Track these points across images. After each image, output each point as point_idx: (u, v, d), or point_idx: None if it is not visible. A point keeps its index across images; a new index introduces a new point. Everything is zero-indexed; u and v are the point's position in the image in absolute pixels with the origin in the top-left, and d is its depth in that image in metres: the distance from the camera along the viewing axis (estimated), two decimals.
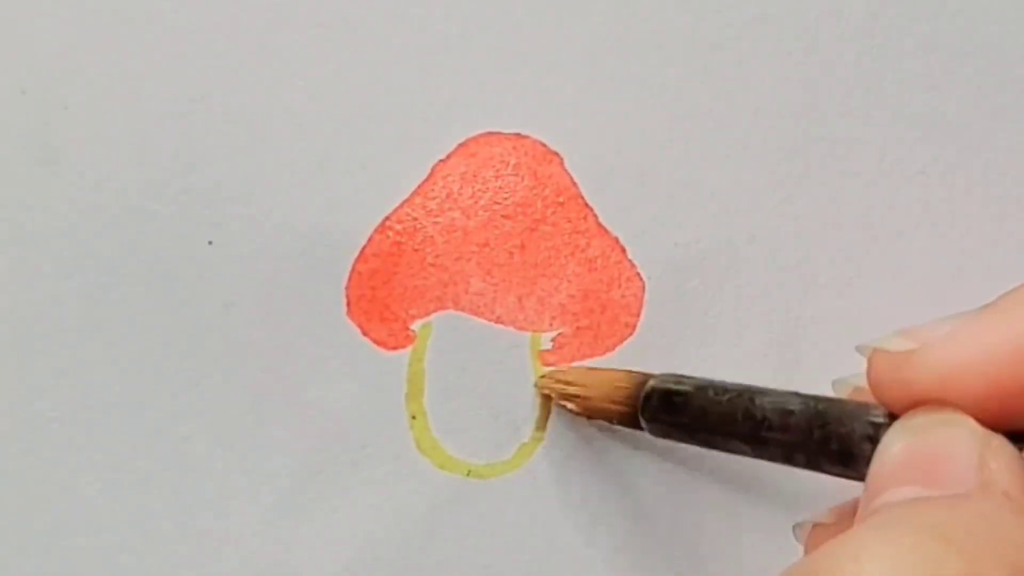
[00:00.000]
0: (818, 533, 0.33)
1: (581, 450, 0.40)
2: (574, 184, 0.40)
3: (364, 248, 0.40)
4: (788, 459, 0.32)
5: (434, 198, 0.40)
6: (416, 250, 0.40)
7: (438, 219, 0.40)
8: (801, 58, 0.40)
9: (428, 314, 0.40)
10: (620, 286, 0.40)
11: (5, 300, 0.39)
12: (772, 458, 0.33)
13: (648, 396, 0.36)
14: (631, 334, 0.40)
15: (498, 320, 0.40)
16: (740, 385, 0.34)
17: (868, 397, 0.31)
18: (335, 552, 0.39)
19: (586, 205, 0.40)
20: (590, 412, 0.39)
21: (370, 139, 0.40)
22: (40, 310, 0.39)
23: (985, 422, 0.28)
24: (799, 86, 0.40)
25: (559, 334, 0.40)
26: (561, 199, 0.40)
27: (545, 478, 0.40)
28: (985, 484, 0.26)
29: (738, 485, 0.40)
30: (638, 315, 0.40)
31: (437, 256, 0.40)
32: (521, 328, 0.40)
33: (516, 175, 0.40)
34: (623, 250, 0.40)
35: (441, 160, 0.40)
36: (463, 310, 0.40)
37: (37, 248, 0.39)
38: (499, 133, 0.40)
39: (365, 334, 0.40)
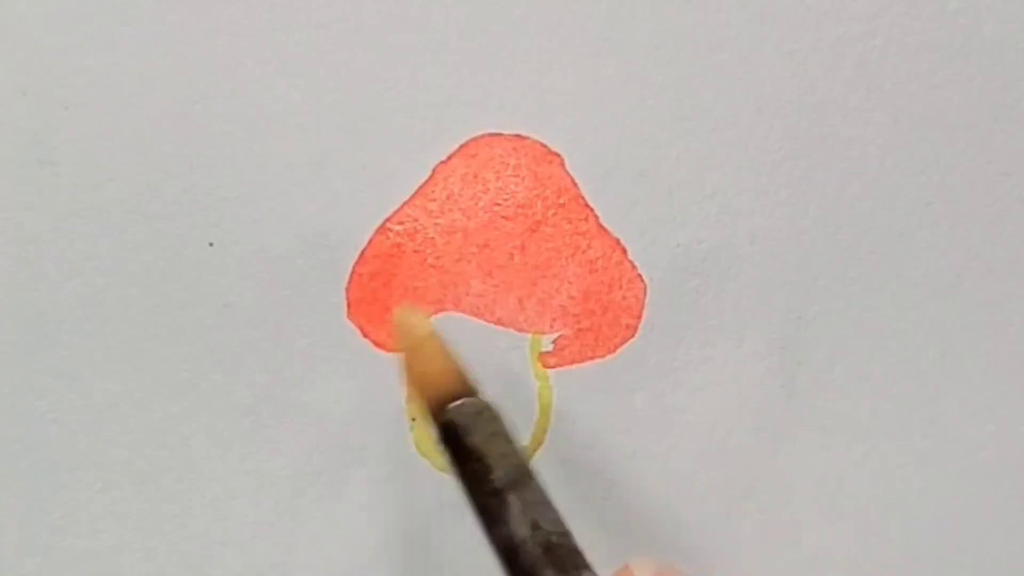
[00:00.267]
0: None
1: (581, 452, 0.40)
2: (575, 185, 0.40)
3: (364, 249, 0.40)
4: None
5: (434, 199, 0.40)
6: (416, 251, 0.40)
7: (439, 220, 0.40)
8: (801, 58, 0.40)
9: (429, 315, 0.40)
10: (621, 287, 0.40)
11: (6, 300, 0.39)
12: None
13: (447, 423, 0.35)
14: (632, 335, 0.40)
15: (499, 322, 0.40)
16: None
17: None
18: (335, 552, 0.39)
19: (587, 206, 0.40)
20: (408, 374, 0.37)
21: (371, 140, 0.40)
22: (40, 310, 0.39)
23: None
24: (799, 86, 0.40)
25: (560, 336, 0.40)
26: (562, 200, 0.40)
27: (546, 479, 0.40)
28: None
29: (738, 487, 0.40)
30: (639, 316, 0.40)
31: (438, 257, 0.40)
32: (522, 330, 0.40)
33: (517, 176, 0.40)
34: (624, 251, 0.40)
35: (442, 161, 0.40)
36: (464, 311, 0.40)
37: (38, 248, 0.39)
38: (500, 134, 0.40)
39: (365, 335, 0.40)
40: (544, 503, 0.35)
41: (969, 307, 0.41)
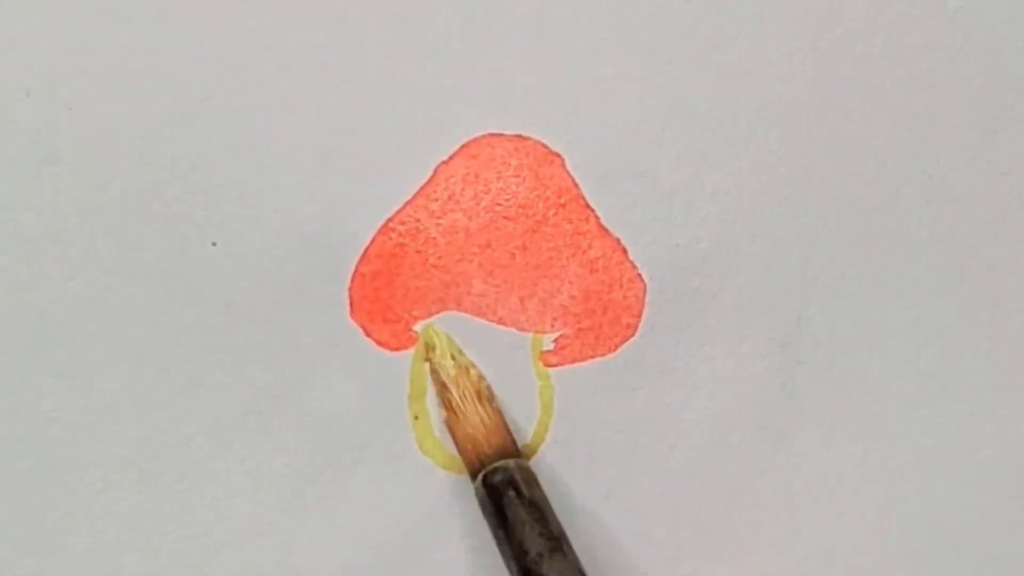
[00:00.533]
0: None
1: (583, 451, 0.40)
2: (575, 185, 0.40)
3: (367, 249, 0.40)
4: None
5: (436, 200, 0.40)
6: (418, 251, 0.40)
7: (440, 220, 0.40)
8: (801, 58, 0.41)
9: (430, 315, 0.40)
10: (621, 287, 0.40)
11: (8, 300, 0.39)
12: None
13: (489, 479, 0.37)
14: (632, 335, 0.40)
15: (500, 321, 0.40)
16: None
17: None
18: (336, 552, 0.39)
19: (587, 206, 0.40)
20: (450, 425, 0.39)
21: (372, 141, 0.40)
22: (43, 310, 0.39)
23: None
24: (799, 86, 0.40)
25: (561, 335, 0.40)
26: (563, 200, 0.40)
27: (547, 479, 0.40)
28: None
29: (738, 486, 0.40)
30: (639, 316, 0.40)
31: (439, 257, 0.40)
32: (523, 329, 0.40)
33: (518, 176, 0.40)
34: (624, 251, 0.40)
35: (443, 162, 0.40)
36: (465, 311, 0.40)
37: (40, 248, 0.39)
38: (501, 135, 0.40)
39: (368, 335, 0.40)
40: (578, 572, 0.36)
41: (969, 307, 0.41)
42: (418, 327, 0.40)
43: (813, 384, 0.41)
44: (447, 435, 0.40)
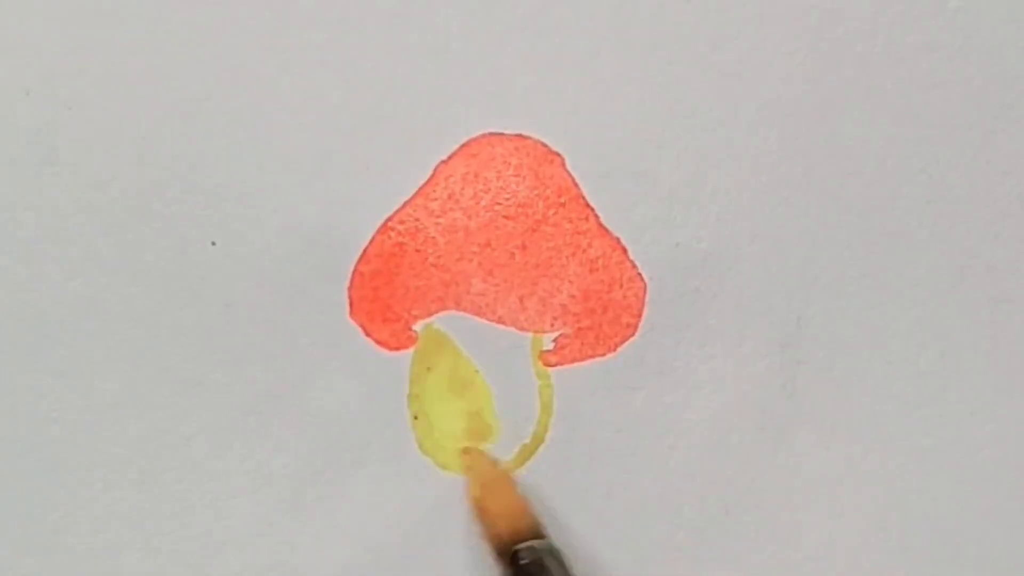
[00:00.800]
0: None
1: (582, 451, 0.40)
2: (575, 185, 0.40)
3: (366, 249, 0.40)
4: None
5: (436, 199, 0.40)
6: (418, 251, 0.40)
7: (440, 220, 0.40)
8: (802, 58, 0.41)
9: (430, 315, 0.40)
10: (621, 286, 0.40)
11: (7, 300, 0.39)
12: None
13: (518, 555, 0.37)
14: (632, 334, 0.40)
15: (500, 321, 0.40)
16: None
17: None
18: (336, 551, 0.39)
19: (587, 206, 0.40)
20: (477, 510, 0.39)
21: (372, 140, 0.40)
22: (42, 310, 0.39)
23: None
24: (799, 86, 0.40)
25: (561, 335, 0.40)
26: (562, 200, 0.40)
27: (546, 478, 0.40)
28: None
29: (738, 486, 0.40)
30: (639, 315, 0.40)
31: (439, 257, 0.40)
32: (523, 329, 0.40)
33: (518, 176, 0.40)
34: (624, 251, 0.40)
35: (443, 161, 0.40)
36: (465, 311, 0.40)
37: (40, 248, 0.39)
38: (501, 134, 0.40)
39: (367, 334, 0.40)
40: None
41: (969, 307, 0.41)
42: (418, 326, 0.40)
43: (813, 384, 0.41)
44: (447, 435, 0.40)
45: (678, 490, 0.40)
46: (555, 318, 0.40)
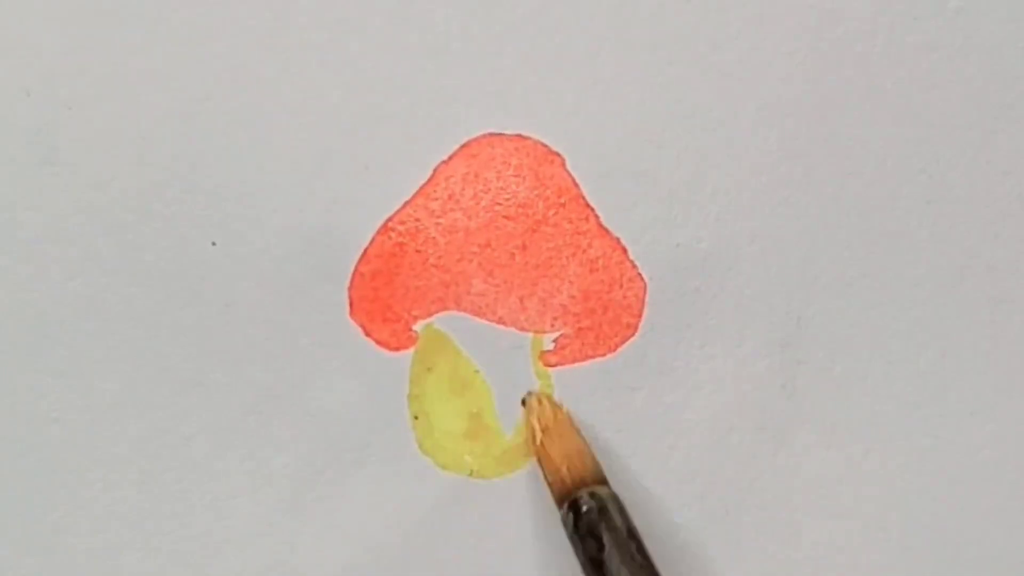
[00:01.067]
0: None
1: None
2: (575, 185, 0.40)
3: (366, 249, 0.40)
4: None
5: (436, 199, 0.40)
6: (418, 251, 0.40)
7: (440, 220, 0.40)
8: (802, 58, 0.41)
9: (430, 315, 0.40)
10: (622, 287, 0.40)
11: (7, 300, 0.39)
12: None
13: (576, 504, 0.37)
14: (633, 335, 0.40)
15: (500, 321, 0.40)
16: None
17: None
18: (337, 552, 0.39)
19: (587, 206, 0.40)
20: (540, 455, 0.39)
21: (372, 140, 0.40)
22: (42, 310, 0.39)
23: None
24: (800, 86, 0.40)
25: (561, 335, 0.40)
26: (562, 200, 0.40)
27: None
28: None
29: (738, 486, 0.40)
30: (640, 316, 0.40)
31: (439, 257, 0.40)
32: (523, 329, 0.40)
33: (518, 176, 0.40)
34: (624, 251, 0.40)
35: (443, 161, 0.40)
36: (465, 311, 0.40)
37: (40, 248, 0.39)
38: (501, 134, 0.40)
39: (367, 334, 0.40)
40: None
41: (969, 307, 0.41)
42: (418, 327, 0.40)
43: (813, 384, 0.41)
44: (447, 435, 0.40)
45: (678, 490, 0.40)
46: (555, 318, 0.40)
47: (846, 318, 0.41)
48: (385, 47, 0.40)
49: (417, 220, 0.40)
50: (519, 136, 0.40)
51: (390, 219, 0.40)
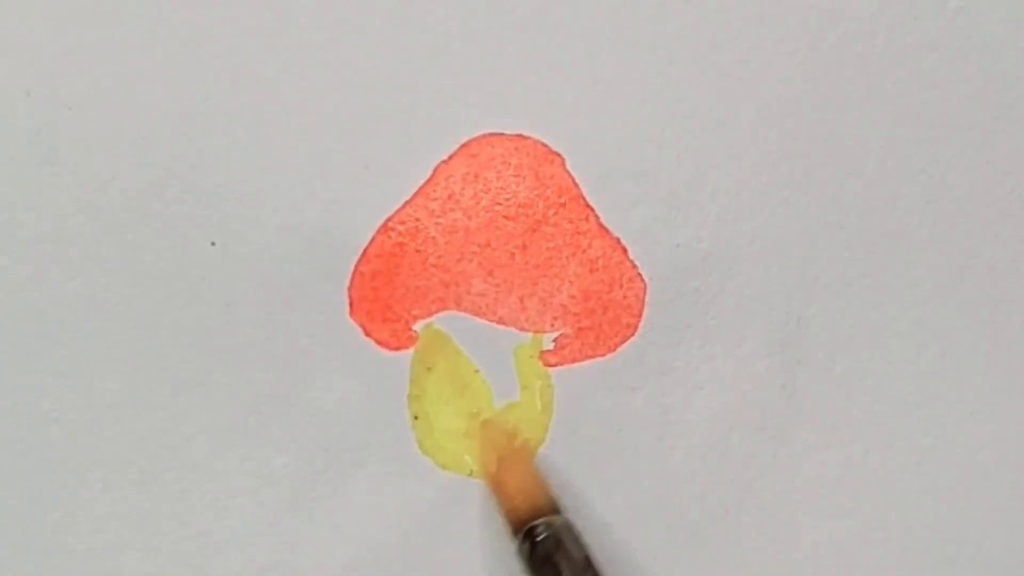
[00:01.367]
0: None
1: (581, 452, 0.40)
2: (575, 185, 0.40)
3: (366, 249, 0.40)
4: None
5: (436, 199, 0.40)
6: (418, 251, 0.40)
7: (440, 220, 0.40)
8: (802, 58, 0.41)
9: (430, 315, 0.40)
10: (621, 287, 0.40)
11: (7, 300, 0.39)
12: None
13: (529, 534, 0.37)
14: (632, 334, 0.40)
15: (500, 321, 0.40)
16: None
17: None
18: (337, 552, 0.39)
19: (587, 206, 0.40)
20: (494, 485, 0.39)
21: (372, 140, 0.40)
22: (43, 310, 0.39)
23: None
24: (800, 86, 0.41)
25: (561, 335, 0.40)
26: (563, 200, 0.40)
27: (546, 479, 0.40)
28: None
29: (738, 486, 0.40)
30: (639, 316, 0.40)
31: (439, 257, 0.40)
32: (523, 329, 0.40)
33: (518, 176, 0.40)
34: (624, 251, 0.40)
35: (443, 161, 0.40)
36: (465, 311, 0.40)
37: (40, 248, 0.39)
38: (501, 134, 0.40)
39: (367, 334, 0.40)
40: None
41: (969, 307, 0.41)
42: (418, 327, 0.40)
43: (813, 384, 0.41)
44: (447, 435, 0.40)
45: (678, 490, 0.40)
46: (555, 318, 0.40)
47: (846, 318, 0.41)
48: (385, 47, 0.40)
49: (417, 220, 0.40)
50: (519, 136, 0.40)
51: (390, 219, 0.40)
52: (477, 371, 0.40)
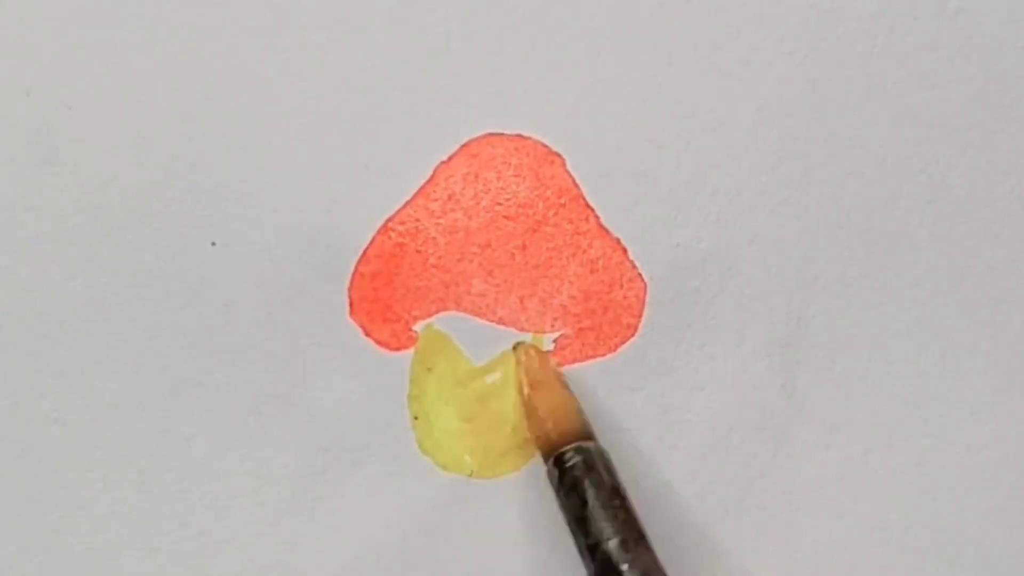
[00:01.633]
0: None
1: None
2: (576, 185, 0.40)
3: (366, 249, 0.40)
4: None
5: (436, 199, 0.40)
6: (418, 251, 0.40)
7: (440, 220, 0.40)
8: (802, 58, 0.41)
9: (430, 315, 0.40)
10: (622, 287, 0.40)
11: (7, 300, 0.39)
12: None
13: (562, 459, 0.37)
14: (633, 335, 0.40)
15: (500, 321, 0.40)
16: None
17: None
18: (337, 552, 0.39)
19: (587, 206, 0.40)
20: (527, 408, 0.39)
21: (372, 140, 0.40)
22: (43, 310, 0.39)
23: None
24: (800, 86, 0.40)
25: (561, 335, 0.40)
26: (563, 200, 0.40)
27: (546, 479, 0.40)
28: None
29: (738, 486, 0.40)
30: (640, 316, 0.40)
31: (439, 257, 0.40)
32: (523, 329, 0.40)
33: (518, 176, 0.40)
34: (624, 251, 0.40)
35: (443, 161, 0.40)
36: (465, 311, 0.40)
37: (40, 248, 0.39)
38: (501, 134, 0.40)
39: (367, 335, 0.40)
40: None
41: (969, 307, 0.41)
42: (418, 327, 0.40)
43: (813, 384, 0.41)
44: (447, 435, 0.40)
45: (678, 490, 0.40)
46: (555, 318, 0.40)
47: (846, 318, 0.41)
48: (385, 47, 0.40)
49: (417, 220, 0.40)
50: (519, 136, 0.40)
51: (390, 219, 0.40)
52: (477, 371, 0.40)
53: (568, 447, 0.37)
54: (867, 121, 0.41)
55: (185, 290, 0.39)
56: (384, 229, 0.40)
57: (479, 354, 0.40)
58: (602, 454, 0.37)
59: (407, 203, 0.40)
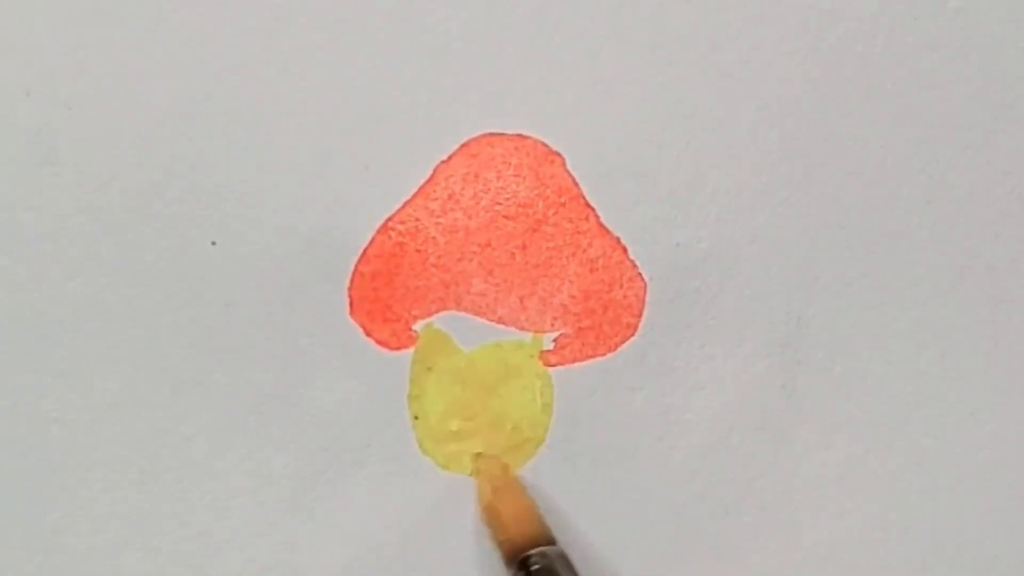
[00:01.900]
0: None
1: (582, 452, 0.40)
2: (575, 185, 0.40)
3: (366, 249, 0.40)
4: None
5: (436, 199, 0.40)
6: (418, 251, 0.40)
7: (440, 220, 0.40)
8: (802, 58, 0.41)
9: (430, 315, 0.40)
10: (622, 286, 0.40)
11: (8, 300, 0.39)
12: None
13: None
14: (633, 334, 0.40)
15: (500, 320, 0.40)
16: None
17: None
18: (337, 551, 0.39)
19: (587, 206, 0.40)
20: (489, 515, 0.39)
21: (372, 140, 0.40)
22: (43, 310, 0.39)
23: None
24: (800, 86, 0.41)
25: (561, 335, 0.40)
26: (563, 200, 0.40)
27: (546, 479, 0.40)
28: None
29: (738, 486, 0.40)
30: (640, 315, 0.40)
31: (439, 257, 0.40)
32: (523, 329, 0.40)
33: (518, 176, 0.40)
34: (624, 250, 0.40)
35: (443, 161, 0.40)
36: (465, 311, 0.40)
37: (40, 248, 0.39)
38: (501, 134, 0.40)
39: (368, 334, 0.40)
40: None
41: (969, 307, 0.41)
42: (418, 326, 0.40)
43: (813, 384, 0.41)
44: (447, 435, 0.40)
45: (678, 490, 0.40)
46: (555, 318, 0.40)
47: (846, 318, 0.41)
48: (385, 47, 0.40)
49: (417, 220, 0.40)
50: (519, 136, 0.40)
51: (390, 219, 0.40)
52: (476, 371, 0.40)
53: (532, 551, 0.37)
54: (867, 121, 0.41)
55: (185, 290, 0.39)
56: (384, 229, 0.40)
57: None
58: (564, 557, 0.37)
59: (407, 203, 0.40)
